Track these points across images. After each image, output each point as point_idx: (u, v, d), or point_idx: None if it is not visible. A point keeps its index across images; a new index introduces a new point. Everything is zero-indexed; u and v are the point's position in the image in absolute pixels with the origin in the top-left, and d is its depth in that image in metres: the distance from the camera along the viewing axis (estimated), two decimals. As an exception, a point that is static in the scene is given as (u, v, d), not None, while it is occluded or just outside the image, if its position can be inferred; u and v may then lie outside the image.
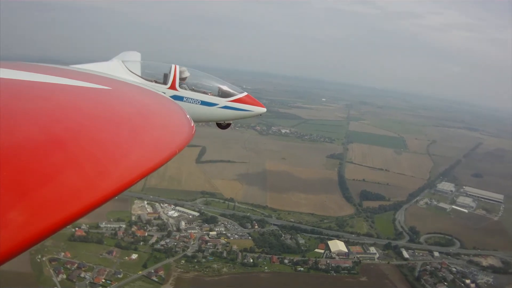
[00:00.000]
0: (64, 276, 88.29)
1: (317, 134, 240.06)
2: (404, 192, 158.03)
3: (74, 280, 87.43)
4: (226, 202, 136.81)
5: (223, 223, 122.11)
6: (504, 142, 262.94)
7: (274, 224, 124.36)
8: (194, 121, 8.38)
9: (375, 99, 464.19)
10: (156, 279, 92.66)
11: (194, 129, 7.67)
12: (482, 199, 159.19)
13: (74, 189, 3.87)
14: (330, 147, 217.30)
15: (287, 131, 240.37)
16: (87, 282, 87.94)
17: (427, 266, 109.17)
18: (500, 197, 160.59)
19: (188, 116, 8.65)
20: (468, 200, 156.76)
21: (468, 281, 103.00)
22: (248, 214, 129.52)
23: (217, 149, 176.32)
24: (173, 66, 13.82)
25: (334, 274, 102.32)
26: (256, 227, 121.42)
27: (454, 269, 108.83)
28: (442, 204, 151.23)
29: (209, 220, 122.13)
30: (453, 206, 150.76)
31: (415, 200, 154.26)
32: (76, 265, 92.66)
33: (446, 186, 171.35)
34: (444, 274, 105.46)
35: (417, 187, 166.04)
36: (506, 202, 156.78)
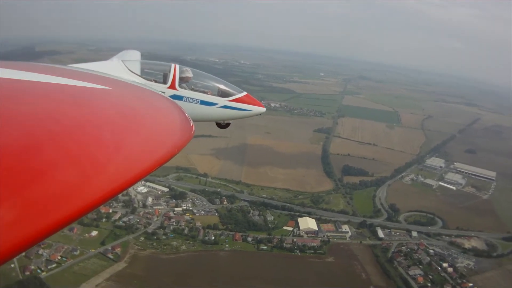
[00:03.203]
0: (23, 254, 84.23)
1: (308, 108, 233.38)
2: (389, 167, 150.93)
3: (31, 257, 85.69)
4: (199, 177, 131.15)
5: (191, 199, 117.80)
6: (503, 118, 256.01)
7: (245, 200, 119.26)
8: (194, 121, 8.08)
9: (375, 74, 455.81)
10: (112, 257, 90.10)
11: (193, 129, 7.55)
12: (473, 176, 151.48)
13: (74, 190, 3.84)
14: (319, 121, 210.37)
15: (277, 105, 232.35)
16: (43, 259, 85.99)
17: (403, 247, 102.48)
18: (492, 174, 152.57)
19: (187, 115, 8.33)
20: (457, 177, 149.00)
21: (445, 265, 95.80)
22: (219, 189, 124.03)
23: (198, 124, 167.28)
24: (172, 65, 13.74)
25: (299, 254, 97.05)
26: (225, 203, 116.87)
27: (431, 251, 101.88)
28: (428, 181, 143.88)
29: (177, 196, 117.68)
30: (440, 183, 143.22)
31: (400, 176, 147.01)
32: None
33: (435, 161, 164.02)
34: (420, 256, 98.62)
35: (404, 163, 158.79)
36: (498, 180, 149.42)
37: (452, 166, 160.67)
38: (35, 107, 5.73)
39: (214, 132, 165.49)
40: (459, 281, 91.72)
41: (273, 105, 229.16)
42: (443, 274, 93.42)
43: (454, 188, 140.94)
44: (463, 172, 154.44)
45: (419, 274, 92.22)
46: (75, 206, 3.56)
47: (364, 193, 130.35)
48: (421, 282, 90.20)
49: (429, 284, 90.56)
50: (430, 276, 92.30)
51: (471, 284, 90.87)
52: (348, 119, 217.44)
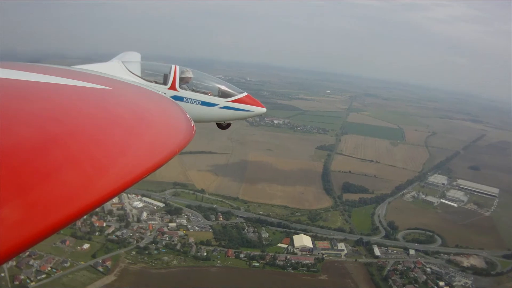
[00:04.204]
0: (14, 263, 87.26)
1: (311, 125, 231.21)
2: (391, 185, 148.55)
3: (22, 268, 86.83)
4: (196, 193, 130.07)
5: (186, 215, 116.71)
6: (509, 134, 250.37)
7: (240, 217, 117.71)
8: (194, 122, 8.28)
9: (382, 91, 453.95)
10: (102, 270, 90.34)
11: (194, 129, 7.69)
12: (476, 193, 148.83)
13: (74, 190, 3.87)
14: (322, 138, 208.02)
15: (280, 122, 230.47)
16: (33, 270, 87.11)
17: (399, 265, 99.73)
18: (495, 191, 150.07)
19: (188, 116, 8.65)
20: (459, 194, 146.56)
21: (442, 284, 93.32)
22: (215, 205, 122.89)
23: (200, 140, 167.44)
24: (173, 66, 13.80)
25: (292, 271, 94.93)
26: (221, 219, 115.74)
27: (428, 269, 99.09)
28: (430, 198, 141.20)
29: (172, 212, 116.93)
30: (442, 200, 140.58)
31: (401, 193, 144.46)
32: (27, 253, 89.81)
33: (438, 178, 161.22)
34: (416, 275, 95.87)
35: (406, 180, 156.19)
36: (501, 197, 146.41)
37: (454, 183, 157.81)
38: (35, 107, 5.74)
39: (214, 149, 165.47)
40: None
41: (276, 122, 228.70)
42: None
43: (455, 205, 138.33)
44: (465, 189, 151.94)
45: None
46: (75, 207, 3.55)
47: (363, 211, 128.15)
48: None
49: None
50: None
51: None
52: (351, 136, 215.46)
